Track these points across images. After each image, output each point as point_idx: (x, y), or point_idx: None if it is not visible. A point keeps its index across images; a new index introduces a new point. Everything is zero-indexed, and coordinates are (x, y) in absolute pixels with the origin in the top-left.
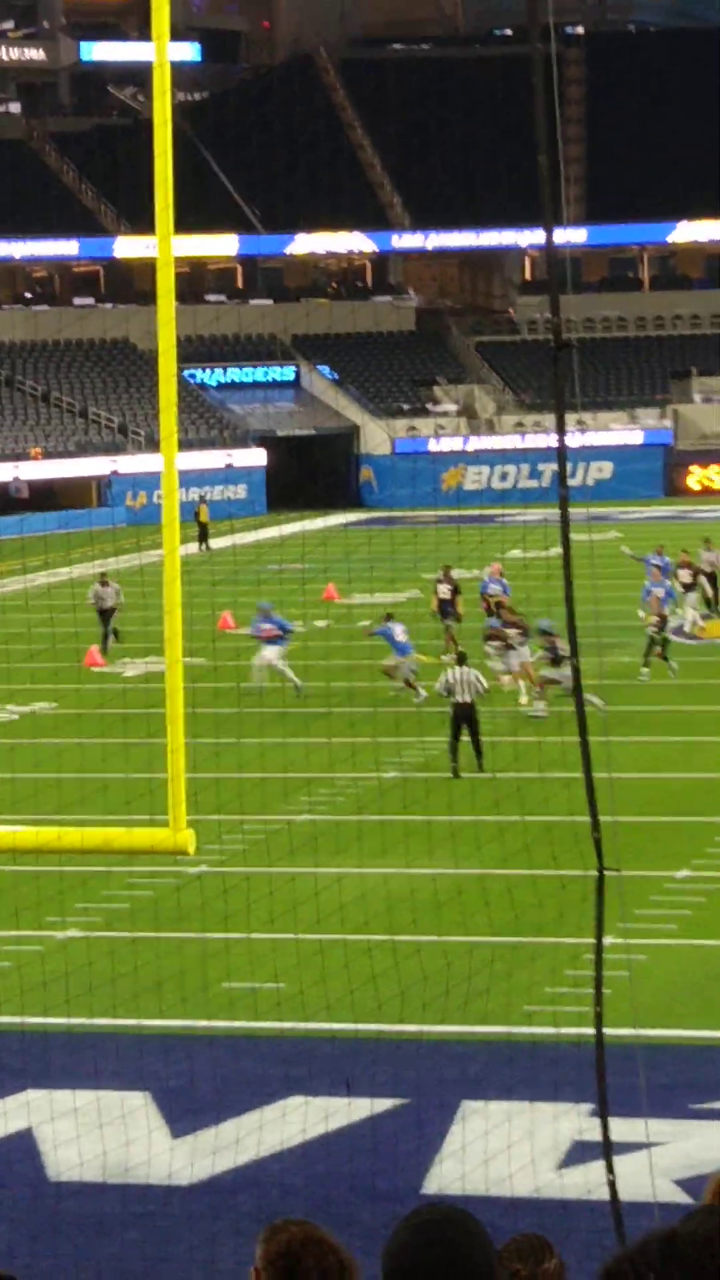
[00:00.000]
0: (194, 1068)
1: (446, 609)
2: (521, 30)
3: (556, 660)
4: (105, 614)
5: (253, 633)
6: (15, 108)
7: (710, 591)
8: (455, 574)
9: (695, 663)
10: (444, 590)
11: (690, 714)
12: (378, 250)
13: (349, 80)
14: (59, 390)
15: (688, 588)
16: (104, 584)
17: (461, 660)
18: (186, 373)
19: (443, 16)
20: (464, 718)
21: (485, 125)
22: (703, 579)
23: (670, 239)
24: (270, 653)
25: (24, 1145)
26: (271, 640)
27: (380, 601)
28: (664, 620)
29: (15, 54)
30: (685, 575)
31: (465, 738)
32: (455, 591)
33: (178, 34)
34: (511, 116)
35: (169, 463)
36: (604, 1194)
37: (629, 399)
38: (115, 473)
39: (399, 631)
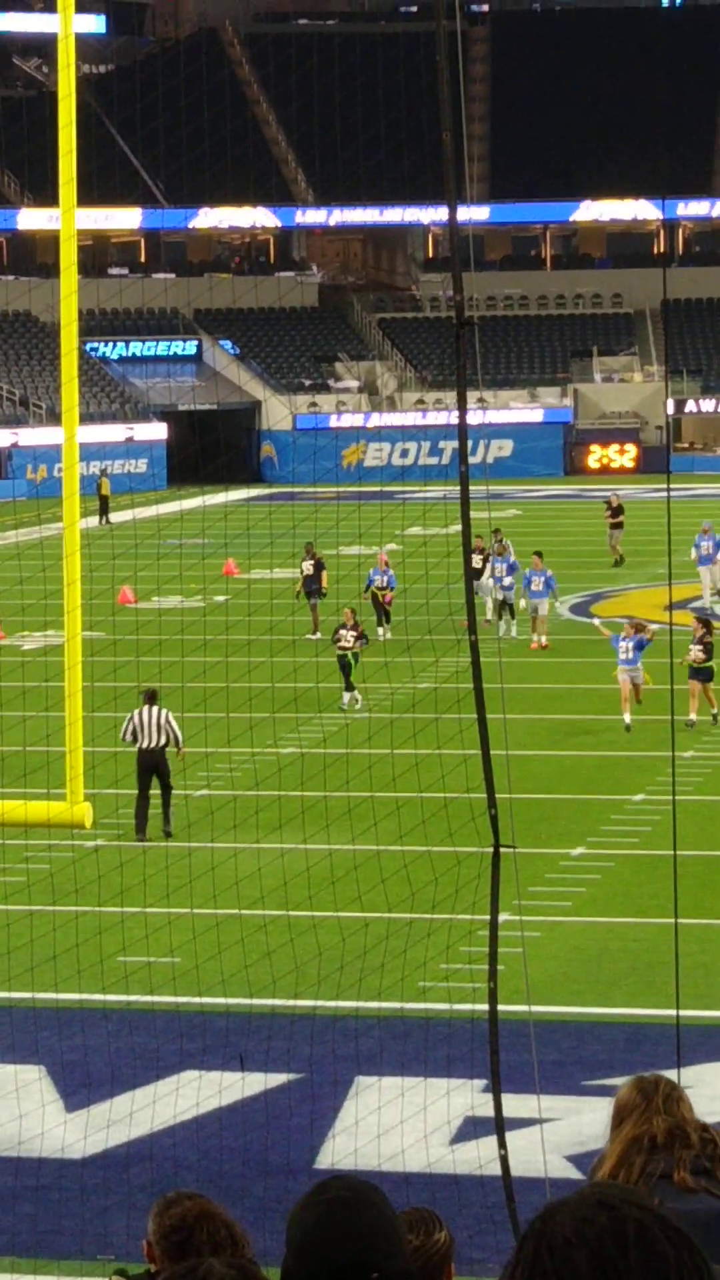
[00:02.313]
0: (88, 1042)
1: (310, 586)
2: (427, 7)
3: None
4: None
5: None
6: None
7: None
8: (352, 551)
9: (594, 642)
10: (307, 567)
11: (587, 692)
12: (281, 225)
13: (254, 55)
14: None
15: (475, 573)
16: None
17: (152, 699)
18: (88, 346)
19: None
20: (152, 767)
21: (390, 102)
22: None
23: (573, 218)
24: None
25: None
26: None
27: (280, 577)
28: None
29: None
30: (477, 561)
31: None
32: (319, 567)
33: (83, 6)
34: (416, 94)
35: (70, 436)
36: (496, 1169)
37: (530, 377)
38: (16, 445)
39: None
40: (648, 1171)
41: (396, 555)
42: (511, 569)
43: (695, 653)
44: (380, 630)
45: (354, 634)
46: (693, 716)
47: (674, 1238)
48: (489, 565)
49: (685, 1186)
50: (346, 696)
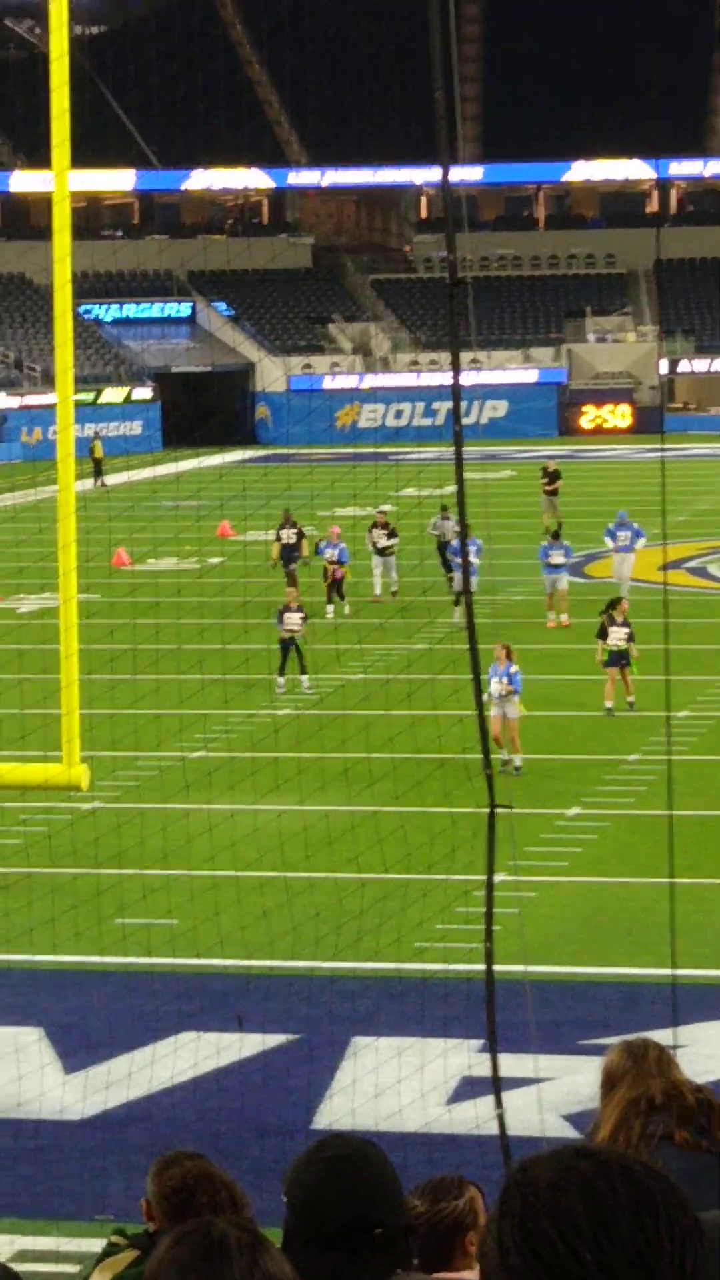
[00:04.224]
0: (86, 1003)
1: (292, 554)
2: None
3: None
4: None
5: None
6: None
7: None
8: (345, 512)
9: (588, 601)
10: (288, 535)
11: (582, 652)
12: (274, 187)
13: (247, 15)
14: None
15: (383, 552)
16: None
17: None
18: (82, 308)
19: None
20: None
21: (383, 62)
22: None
23: (566, 178)
24: None
25: None
26: None
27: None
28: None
29: None
30: (381, 536)
31: None
32: (300, 535)
33: None
34: (409, 54)
35: (64, 399)
36: (493, 1128)
37: (524, 338)
38: (11, 408)
39: None
40: (648, 1134)
41: (391, 517)
42: (478, 551)
43: (616, 636)
44: (330, 609)
45: (300, 616)
46: (610, 704)
47: (657, 1177)
48: (391, 542)
49: (688, 1146)
50: (282, 681)
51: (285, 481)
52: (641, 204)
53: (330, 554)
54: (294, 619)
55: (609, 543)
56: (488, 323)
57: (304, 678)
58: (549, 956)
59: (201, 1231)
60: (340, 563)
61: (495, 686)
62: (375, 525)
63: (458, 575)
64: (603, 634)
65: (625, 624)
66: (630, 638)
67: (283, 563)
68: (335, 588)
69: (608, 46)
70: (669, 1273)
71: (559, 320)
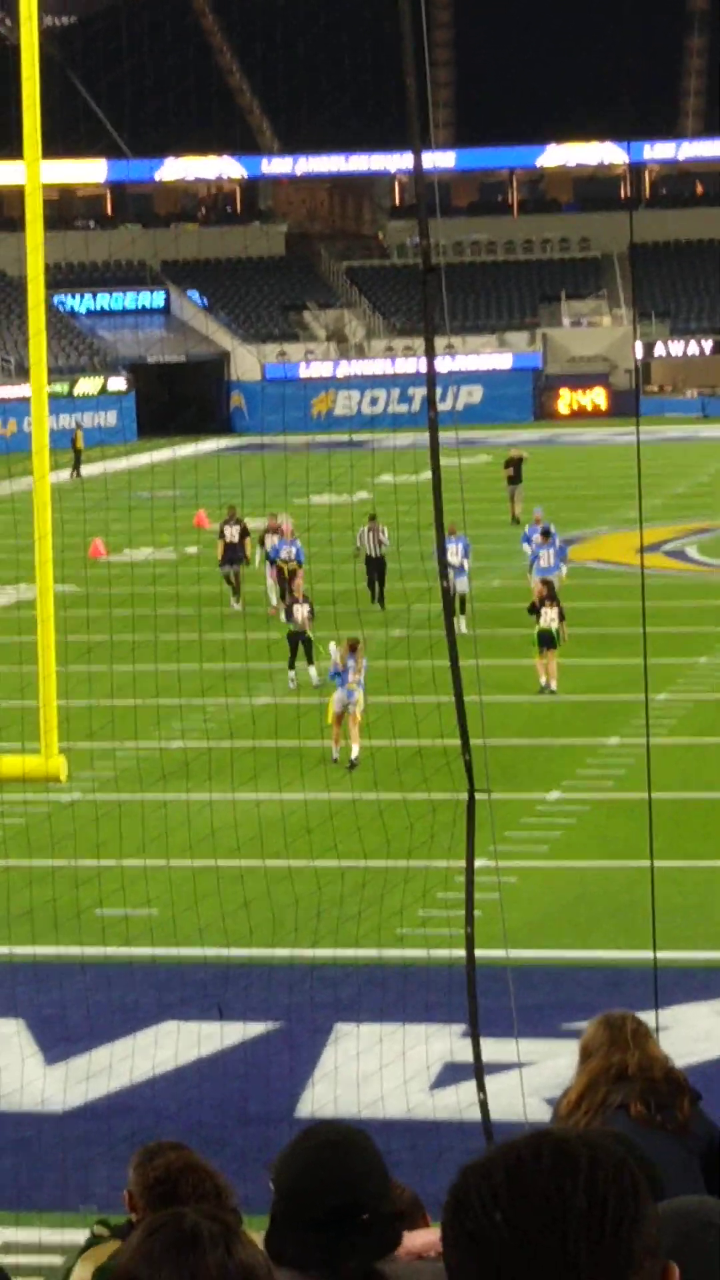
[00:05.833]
0: (66, 995)
1: (236, 554)
2: None
3: None
4: None
5: None
6: None
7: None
8: (323, 500)
9: (569, 588)
10: (231, 533)
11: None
12: (247, 175)
13: (217, 3)
14: None
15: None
16: None
17: None
18: (56, 299)
19: None
20: None
21: (354, 49)
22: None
23: (539, 162)
24: None
25: None
26: None
27: (251, 526)
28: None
29: None
30: (272, 540)
31: None
32: (244, 534)
33: None
34: (380, 40)
35: (38, 390)
36: (475, 1114)
37: (498, 323)
38: None
39: None
40: (608, 1102)
41: (367, 505)
42: (465, 551)
43: (548, 617)
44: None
45: (308, 607)
46: (543, 680)
47: (590, 1143)
48: (268, 542)
49: (641, 1119)
50: (314, 670)
51: (260, 470)
52: (615, 188)
53: (287, 551)
54: (302, 611)
55: (526, 549)
56: (462, 308)
57: (312, 669)
58: (530, 941)
59: (174, 1223)
60: (295, 561)
61: (353, 676)
62: (269, 530)
63: (452, 578)
64: (533, 611)
65: (556, 605)
66: (561, 616)
67: (225, 562)
68: (288, 590)
69: (580, 30)
70: (582, 1234)
71: (534, 305)
